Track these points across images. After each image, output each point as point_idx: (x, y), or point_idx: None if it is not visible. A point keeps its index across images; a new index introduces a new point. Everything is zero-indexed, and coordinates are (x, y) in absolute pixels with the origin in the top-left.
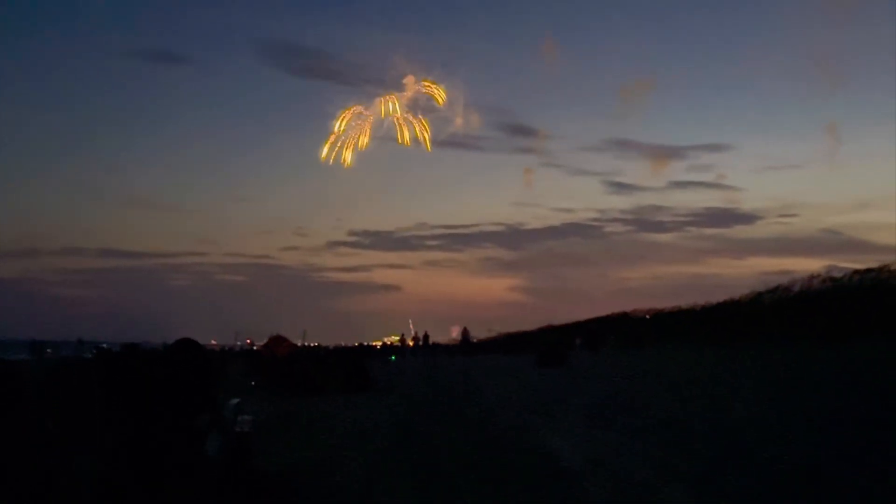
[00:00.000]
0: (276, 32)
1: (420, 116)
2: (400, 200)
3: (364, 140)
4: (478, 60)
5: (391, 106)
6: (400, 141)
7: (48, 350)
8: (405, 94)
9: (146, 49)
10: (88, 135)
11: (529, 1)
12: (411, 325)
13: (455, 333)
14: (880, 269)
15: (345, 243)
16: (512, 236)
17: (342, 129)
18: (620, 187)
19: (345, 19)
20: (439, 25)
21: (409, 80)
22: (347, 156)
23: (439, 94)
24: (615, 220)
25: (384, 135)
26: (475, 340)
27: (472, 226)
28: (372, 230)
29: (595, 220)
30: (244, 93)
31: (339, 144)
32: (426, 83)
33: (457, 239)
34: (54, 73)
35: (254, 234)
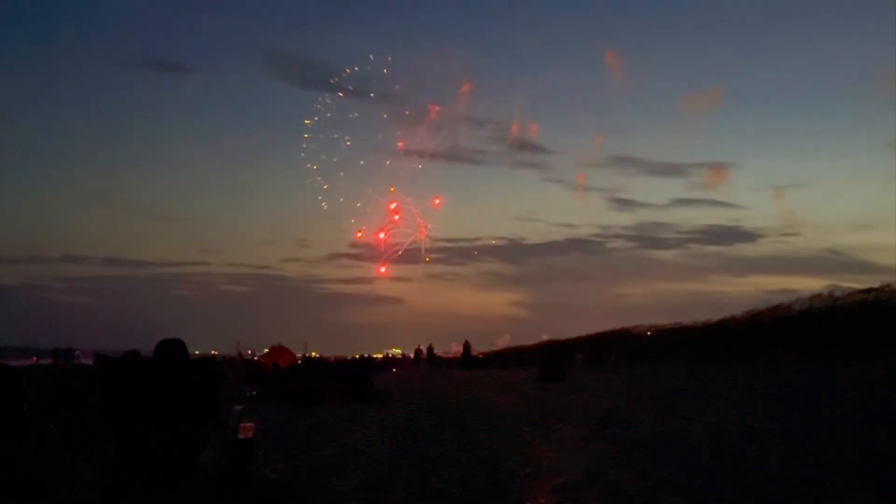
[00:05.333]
0: (282, 44)
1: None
2: (402, 213)
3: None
4: (482, 73)
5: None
6: None
7: (35, 357)
8: (459, 105)
9: (152, 58)
10: (93, 143)
11: (530, 13)
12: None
13: (453, 348)
14: (882, 290)
15: (347, 255)
16: (514, 251)
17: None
18: (623, 203)
19: (353, 31)
20: (441, 39)
21: (465, 89)
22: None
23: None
24: (617, 236)
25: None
26: (477, 355)
27: (474, 240)
28: (374, 242)
29: (597, 235)
30: (249, 103)
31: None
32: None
33: (459, 253)
34: (60, 81)
35: (256, 245)
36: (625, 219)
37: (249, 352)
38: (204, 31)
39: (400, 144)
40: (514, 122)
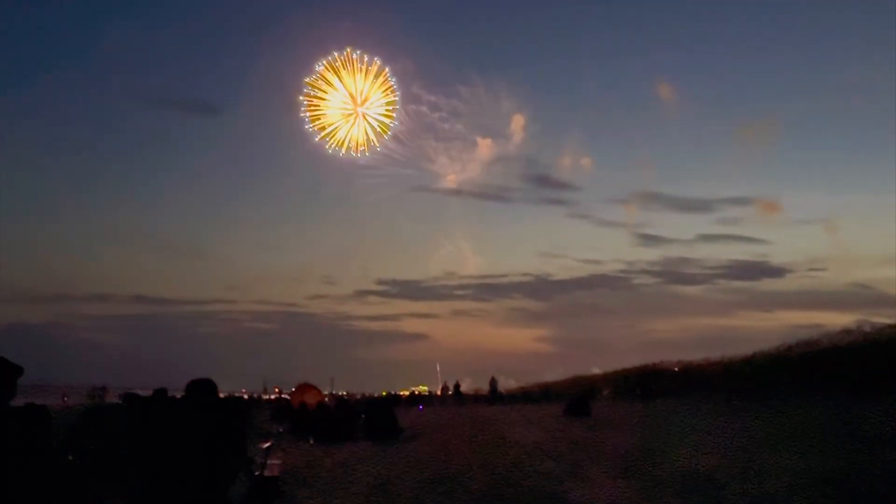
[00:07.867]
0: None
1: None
2: (428, 250)
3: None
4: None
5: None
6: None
7: (65, 398)
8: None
9: (179, 98)
10: (119, 181)
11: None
12: (438, 370)
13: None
14: None
15: (373, 292)
16: (540, 287)
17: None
18: (648, 239)
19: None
20: (463, 77)
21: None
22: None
23: None
24: (643, 272)
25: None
26: (503, 391)
27: (500, 276)
28: (400, 279)
29: (623, 271)
30: (276, 142)
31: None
32: None
33: (485, 289)
34: (87, 120)
35: (282, 282)
36: (650, 254)
37: (276, 389)
38: (232, 72)
39: (424, 181)
40: (539, 159)
